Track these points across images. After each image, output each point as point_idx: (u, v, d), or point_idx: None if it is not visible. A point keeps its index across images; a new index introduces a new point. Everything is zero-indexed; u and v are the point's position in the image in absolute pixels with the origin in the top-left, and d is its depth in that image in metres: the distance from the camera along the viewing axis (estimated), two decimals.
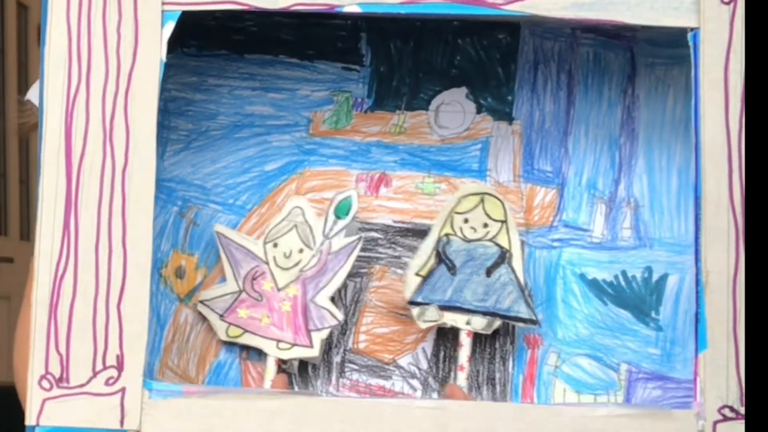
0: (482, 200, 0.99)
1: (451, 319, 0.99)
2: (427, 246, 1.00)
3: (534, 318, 0.98)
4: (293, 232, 1.00)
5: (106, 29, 0.89)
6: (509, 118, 1.04)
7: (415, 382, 1.02)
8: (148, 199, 0.88)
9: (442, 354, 1.02)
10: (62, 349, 0.86)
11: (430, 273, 0.99)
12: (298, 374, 1.01)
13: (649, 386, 1.01)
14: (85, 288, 0.87)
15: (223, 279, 1.02)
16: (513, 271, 0.99)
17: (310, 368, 1.01)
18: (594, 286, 1.02)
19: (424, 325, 0.99)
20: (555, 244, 1.03)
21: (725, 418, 0.86)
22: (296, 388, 1.01)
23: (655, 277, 1.02)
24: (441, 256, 0.99)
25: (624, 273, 1.02)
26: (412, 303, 0.99)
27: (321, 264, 0.99)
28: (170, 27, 0.89)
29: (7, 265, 2.48)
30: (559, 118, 1.04)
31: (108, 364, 0.86)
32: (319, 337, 0.98)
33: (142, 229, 0.87)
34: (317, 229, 0.99)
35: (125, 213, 0.87)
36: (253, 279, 1.00)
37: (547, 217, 1.03)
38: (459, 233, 1.00)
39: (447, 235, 1.00)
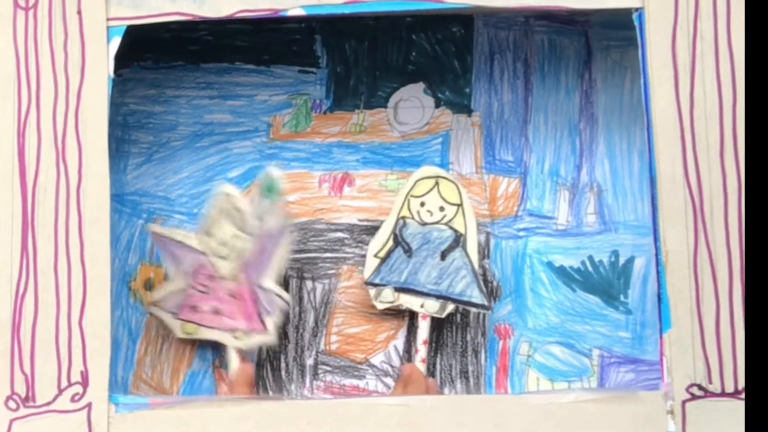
0: (437, 183, 0.99)
1: (406, 301, 0.99)
2: (386, 228, 1.00)
3: (486, 304, 0.98)
4: (224, 219, 0.97)
5: (53, 48, 0.89)
6: (468, 111, 1.04)
7: (388, 380, 1.01)
8: (103, 214, 0.88)
9: (413, 351, 1.02)
10: (27, 369, 0.86)
11: (388, 255, 0.99)
12: (272, 379, 1.01)
13: (621, 370, 1.00)
14: (46, 307, 0.87)
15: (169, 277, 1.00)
16: (467, 255, 0.98)
17: (283, 372, 1.02)
18: (562, 273, 1.02)
19: (380, 306, 0.99)
20: (521, 233, 1.03)
21: (693, 397, 0.86)
22: (270, 393, 1.01)
23: (621, 260, 1.01)
24: (398, 239, 0.99)
25: (591, 258, 1.02)
26: (370, 284, 0.99)
27: (259, 247, 0.96)
28: (116, 42, 0.89)
29: None
30: (518, 107, 1.03)
31: (73, 380, 0.86)
32: (272, 321, 0.97)
33: (99, 244, 0.88)
34: (248, 213, 0.96)
35: (82, 229, 0.88)
36: (197, 272, 0.98)
37: (512, 207, 1.03)
38: (416, 216, 0.99)
39: (404, 218, 1.00)
